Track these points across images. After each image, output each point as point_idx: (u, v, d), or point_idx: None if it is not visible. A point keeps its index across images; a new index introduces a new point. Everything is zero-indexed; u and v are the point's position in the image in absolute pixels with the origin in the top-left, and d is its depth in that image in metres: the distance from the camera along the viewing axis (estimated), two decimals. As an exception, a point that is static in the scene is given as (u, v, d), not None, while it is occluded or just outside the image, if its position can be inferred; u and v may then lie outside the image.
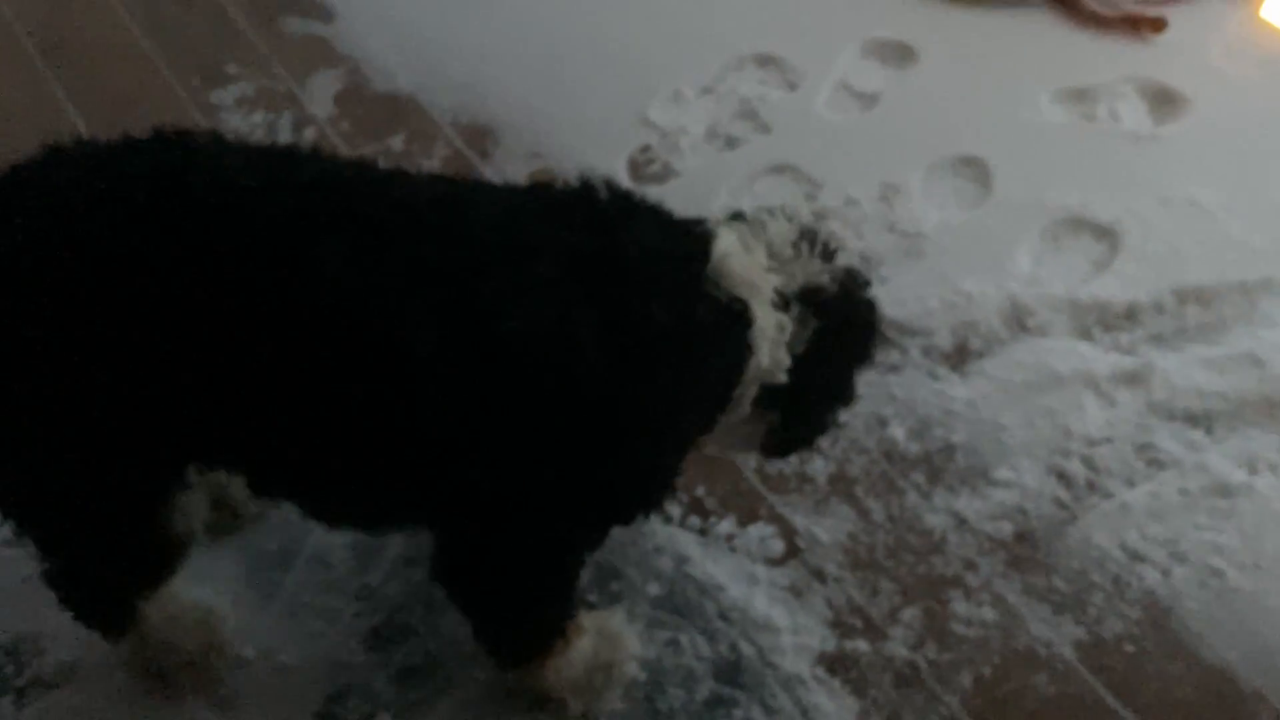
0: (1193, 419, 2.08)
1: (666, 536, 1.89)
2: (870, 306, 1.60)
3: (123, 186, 1.29)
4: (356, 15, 2.87)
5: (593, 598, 1.80)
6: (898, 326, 2.20)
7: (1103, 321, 2.24)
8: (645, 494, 1.52)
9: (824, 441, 2.03)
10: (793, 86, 2.70)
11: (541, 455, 1.36)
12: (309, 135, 2.58)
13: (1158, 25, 2.86)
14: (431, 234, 1.30)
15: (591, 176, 1.44)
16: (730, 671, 1.75)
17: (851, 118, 2.64)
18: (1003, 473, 2.00)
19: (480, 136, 2.60)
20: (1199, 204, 2.44)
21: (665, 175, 2.51)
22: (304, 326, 1.28)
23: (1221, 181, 2.49)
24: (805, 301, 1.46)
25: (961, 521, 1.94)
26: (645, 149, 2.56)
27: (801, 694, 1.73)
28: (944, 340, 2.19)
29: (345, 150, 2.55)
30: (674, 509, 1.92)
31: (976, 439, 2.05)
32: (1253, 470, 2.01)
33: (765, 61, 2.76)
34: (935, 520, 1.94)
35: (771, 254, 1.46)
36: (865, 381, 2.10)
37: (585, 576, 1.68)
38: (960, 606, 1.83)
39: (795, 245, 1.47)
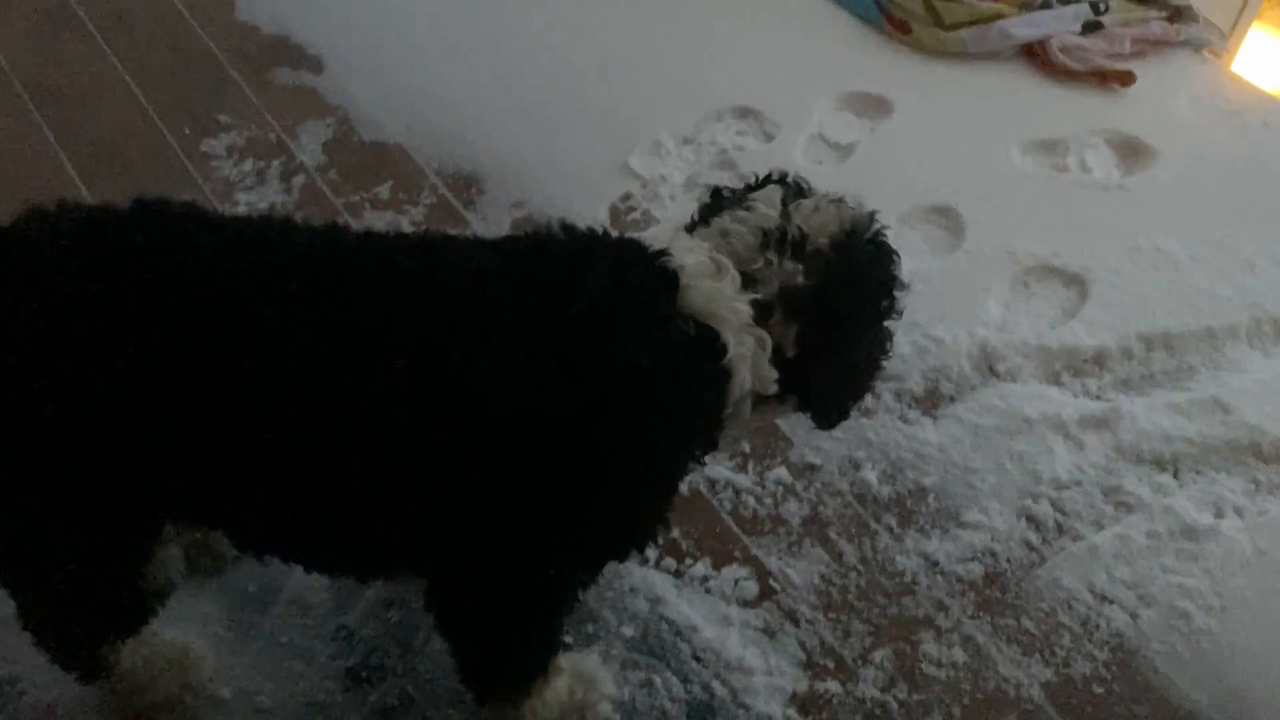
0: (1160, 463, 2.13)
1: (642, 578, 1.91)
2: (862, 269, 1.48)
3: (103, 255, 1.31)
4: (346, 66, 2.94)
5: (568, 639, 1.82)
6: (871, 372, 2.24)
7: (1071, 367, 2.28)
8: (632, 529, 1.52)
9: (798, 484, 2.08)
10: (770, 137, 2.77)
11: (521, 503, 1.38)
12: (298, 183, 2.62)
13: (1126, 79, 2.94)
14: (402, 301, 1.33)
15: (549, 224, 1.46)
16: (703, 713, 1.77)
17: (827, 168, 2.70)
18: (973, 515, 2.03)
19: (465, 185, 2.65)
20: (1166, 253, 2.50)
21: (646, 222, 2.56)
22: (279, 393, 1.30)
23: (1188, 231, 2.55)
24: (786, 303, 1.43)
25: (932, 563, 1.97)
26: (626, 197, 2.61)
27: (774, 734, 1.74)
28: (916, 385, 2.23)
29: (333, 198, 2.60)
30: (649, 550, 1.95)
31: (948, 482, 2.09)
32: (1219, 513, 2.05)
33: (744, 113, 2.82)
34: (906, 562, 1.97)
35: (740, 263, 1.43)
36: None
37: (561, 618, 1.71)
38: (931, 648, 1.86)
39: (763, 249, 1.43)
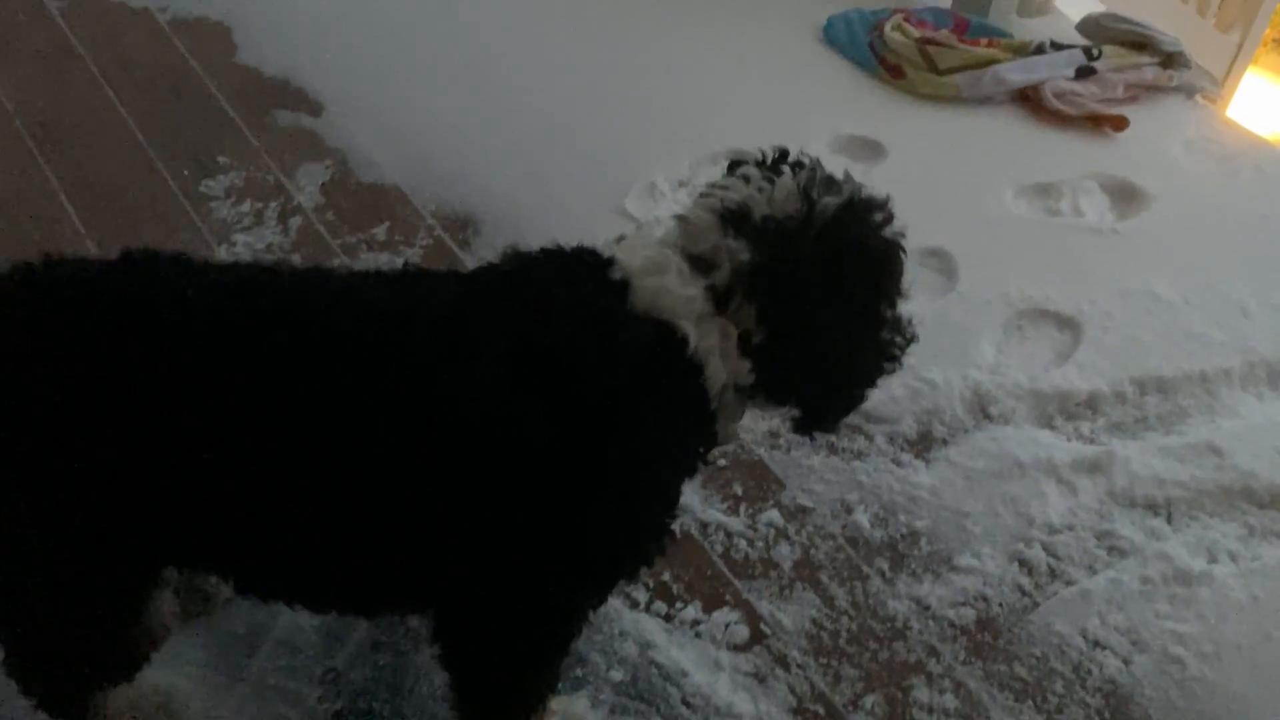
0: (1153, 507, 2.12)
1: (632, 622, 1.90)
2: (822, 237, 1.38)
3: (93, 309, 1.33)
4: (345, 109, 2.97)
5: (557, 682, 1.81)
6: (864, 414, 2.24)
7: (1064, 410, 2.28)
8: (636, 543, 1.48)
9: (790, 527, 2.07)
10: (765, 180, 2.78)
11: (523, 531, 1.38)
12: (295, 224, 2.64)
13: (1119, 123, 2.97)
14: (385, 341, 1.34)
15: (505, 251, 1.47)
16: (692, 758, 1.76)
17: (822, 210, 2.71)
18: (965, 559, 2.02)
19: (461, 226, 2.67)
20: (1159, 296, 2.51)
21: (640, 265, 2.56)
22: (273, 438, 1.31)
23: (1181, 275, 2.56)
24: (741, 285, 1.37)
25: (924, 608, 1.96)
26: (621, 239, 2.62)
27: (763, 781, 1.73)
28: (909, 428, 2.23)
29: (330, 239, 2.62)
30: (640, 594, 1.94)
31: (940, 525, 2.08)
32: (1212, 559, 2.04)
33: (738, 156, 2.84)
34: (898, 606, 1.96)
35: (696, 249, 1.38)
36: (831, 468, 2.17)
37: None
38: (922, 693, 1.85)
39: (719, 234, 1.37)
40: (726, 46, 3.21)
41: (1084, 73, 3.04)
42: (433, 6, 3.35)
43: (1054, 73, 3.03)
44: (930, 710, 1.83)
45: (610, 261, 1.40)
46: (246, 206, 2.68)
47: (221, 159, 2.81)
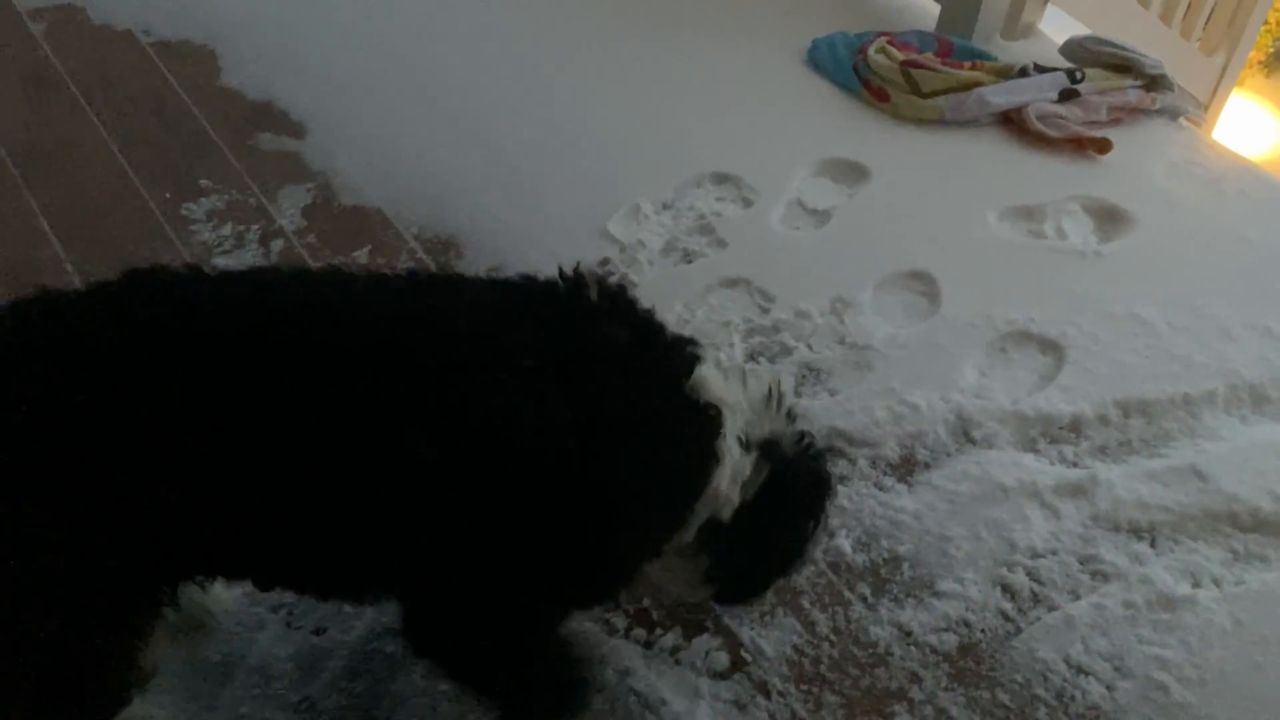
0: (1137, 531, 2.11)
1: (611, 648, 1.88)
2: (823, 477, 1.65)
3: (103, 335, 1.35)
4: (327, 131, 2.96)
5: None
6: (846, 437, 2.24)
7: (1048, 434, 2.27)
8: (599, 580, 1.55)
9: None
10: (748, 203, 2.78)
11: (508, 535, 1.41)
12: (277, 247, 2.63)
13: (1103, 146, 2.97)
14: (419, 343, 1.39)
15: (584, 273, 1.52)
16: (671, 788, 1.73)
17: (805, 233, 2.71)
18: (948, 584, 2.01)
19: (444, 249, 2.66)
20: (1143, 319, 2.50)
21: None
22: (303, 441, 1.34)
23: (1165, 298, 2.55)
24: (764, 451, 1.53)
25: (906, 634, 1.94)
26: (605, 261, 2.62)
27: (742, 811, 1.71)
28: (891, 451, 2.22)
29: (311, 262, 2.60)
30: (619, 620, 1.92)
31: (922, 550, 2.06)
32: (1196, 583, 2.03)
33: (722, 179, 2.84)
34: (880, 632, 1.94)
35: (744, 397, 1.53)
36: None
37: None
38: (904, 721, 1.83)
39: (766, 399, 1.55)
40: (710, 69, 3.21)
41: (1068, 95, 3.05)
42: (416, 30, 3.35)
43: (1038, 95, 3.03)
44: (912, 738, 1.81)
45: (691, 340, 1.54)
46: (228, 229, 2.67)
47: (203, 182, 2.80)
